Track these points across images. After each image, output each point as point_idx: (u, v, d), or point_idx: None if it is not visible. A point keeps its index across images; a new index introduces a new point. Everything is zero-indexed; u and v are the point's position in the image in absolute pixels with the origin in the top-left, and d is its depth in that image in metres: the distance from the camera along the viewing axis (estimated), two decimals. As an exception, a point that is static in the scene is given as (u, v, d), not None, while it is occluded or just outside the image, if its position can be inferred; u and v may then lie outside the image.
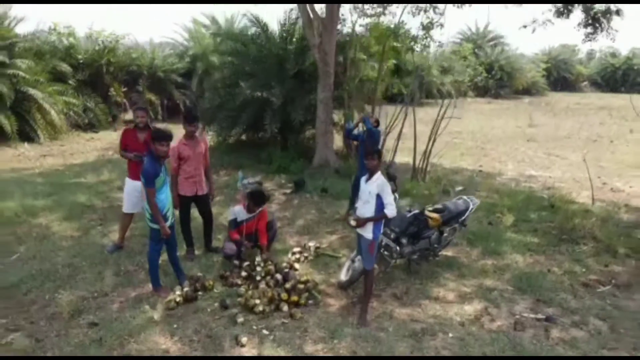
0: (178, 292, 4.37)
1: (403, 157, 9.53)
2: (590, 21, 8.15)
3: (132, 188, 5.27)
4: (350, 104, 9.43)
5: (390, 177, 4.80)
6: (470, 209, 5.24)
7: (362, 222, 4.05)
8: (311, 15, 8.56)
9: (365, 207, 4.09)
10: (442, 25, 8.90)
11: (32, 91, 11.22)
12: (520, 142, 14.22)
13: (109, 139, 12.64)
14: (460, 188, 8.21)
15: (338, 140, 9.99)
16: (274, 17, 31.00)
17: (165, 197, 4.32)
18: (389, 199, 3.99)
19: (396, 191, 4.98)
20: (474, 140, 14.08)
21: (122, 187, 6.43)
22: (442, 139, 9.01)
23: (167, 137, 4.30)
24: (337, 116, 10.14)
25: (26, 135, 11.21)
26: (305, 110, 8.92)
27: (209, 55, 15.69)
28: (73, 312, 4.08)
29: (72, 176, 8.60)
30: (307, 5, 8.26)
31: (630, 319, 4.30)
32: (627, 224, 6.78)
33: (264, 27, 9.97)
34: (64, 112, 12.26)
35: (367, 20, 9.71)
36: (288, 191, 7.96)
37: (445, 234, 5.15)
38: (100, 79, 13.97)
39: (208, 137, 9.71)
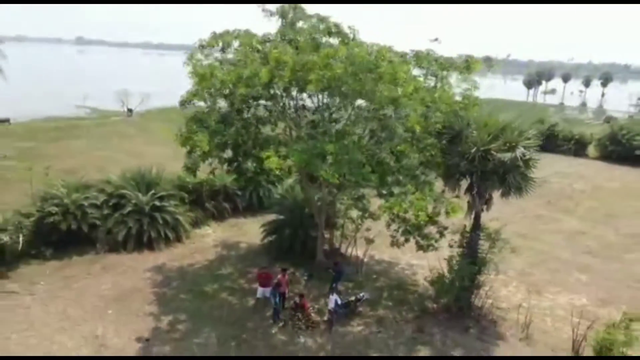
0: (281, 324, 16.53)
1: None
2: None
3: (260, 290, 17.43)
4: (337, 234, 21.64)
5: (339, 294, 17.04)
6: (364, 297, 17.43)
7: (332, 307, 16.28)
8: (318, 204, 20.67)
9: (331, 303, 16.28)
10: None
11: (181, 218, 23.27)
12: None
13: (210, 234, 24.78)
14: (375, 276, 20.39)
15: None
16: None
17: (279, 299, 16.50)
18: (339, 300, 16.26)
19: (340, 294, 17.14)
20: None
21: (239, 277, 19.40)
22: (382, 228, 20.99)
23: (280, 284, 16.55)
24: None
25: (178, 238, 23.22)
26: (314, 239, 21.07)
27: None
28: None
29: (215, 269, 20.66)
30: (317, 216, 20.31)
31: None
32: (425, 297, 18.90)
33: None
34: (189, 222, 24.29)
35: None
36: (305, 278, 20.02)
37: (357, 305, 17.35)
38: (200, 196, 26.02)
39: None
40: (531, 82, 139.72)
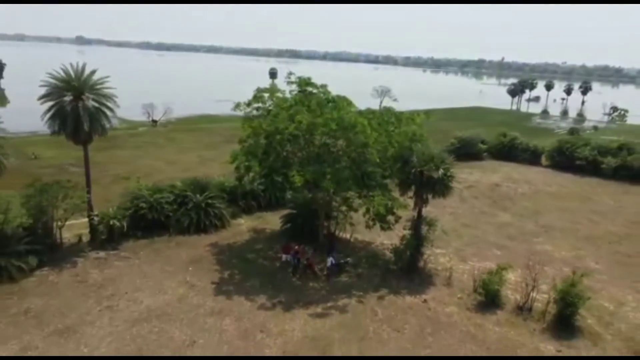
0: (297, 276, 26.91)
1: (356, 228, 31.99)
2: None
3: (284, 256, 27.93)
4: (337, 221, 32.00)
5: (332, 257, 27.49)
6: (349, 261, 27.90)
7: (329, 266, 26.76)
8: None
9: (328, 263, 26.75)
10: None
11: (224, 212, 33.60)
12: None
13: (243, 223, 35.12)
14: (357, 250, 30.78)
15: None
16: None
17: (297, 261, 26.93)
18: (334, 261, 26.77)
19: (335, 258, 27.55)
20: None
21: (268, 250, 30.11)
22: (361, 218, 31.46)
23: (298, 252, 27.01)
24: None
25: (223, 226, 33.53)
26: (317, 225, 31.45)
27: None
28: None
29: (253, 245, 31.01)
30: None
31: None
32: (389, 262, 29.29)
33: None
34: (229, 215, 34.58)
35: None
36: (312, 251, 30.32)
37: (345, 266, 27.78)
38: (235, 196, 36.36)
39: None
40: (515, 91, 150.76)
